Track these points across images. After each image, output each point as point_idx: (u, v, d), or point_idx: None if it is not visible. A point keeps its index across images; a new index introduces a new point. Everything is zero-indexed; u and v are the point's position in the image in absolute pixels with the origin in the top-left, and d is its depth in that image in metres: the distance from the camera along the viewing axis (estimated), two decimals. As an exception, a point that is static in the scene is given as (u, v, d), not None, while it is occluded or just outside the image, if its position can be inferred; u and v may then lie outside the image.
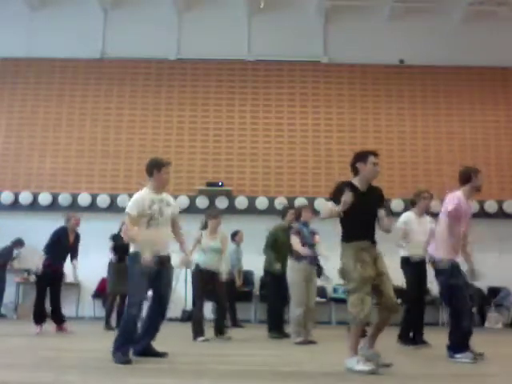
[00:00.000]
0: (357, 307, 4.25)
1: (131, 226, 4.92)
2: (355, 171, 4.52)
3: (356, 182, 4.51)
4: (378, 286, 4.37)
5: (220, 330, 6.97)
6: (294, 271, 6.65)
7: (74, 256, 7.81)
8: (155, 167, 5.05)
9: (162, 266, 4.94)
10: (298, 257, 6.63)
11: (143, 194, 5.00)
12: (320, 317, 8.78)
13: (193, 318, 6.97)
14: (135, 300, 4.79)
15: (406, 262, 6.36)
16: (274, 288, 7.38)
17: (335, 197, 4.38)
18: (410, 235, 6.39)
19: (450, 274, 4.97)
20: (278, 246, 7.37)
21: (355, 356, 4.29)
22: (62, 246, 7.64)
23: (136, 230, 4.87)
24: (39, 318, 7.46)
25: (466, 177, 5.11)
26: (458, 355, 4.85)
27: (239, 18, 12.23)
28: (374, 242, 4.48)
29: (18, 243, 10.58)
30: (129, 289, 4.92)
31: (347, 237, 4.47)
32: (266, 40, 12.10)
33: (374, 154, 4.54)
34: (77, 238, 7.88)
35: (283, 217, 7.62)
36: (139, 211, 4.88)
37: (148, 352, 4.99)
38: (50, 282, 7.64)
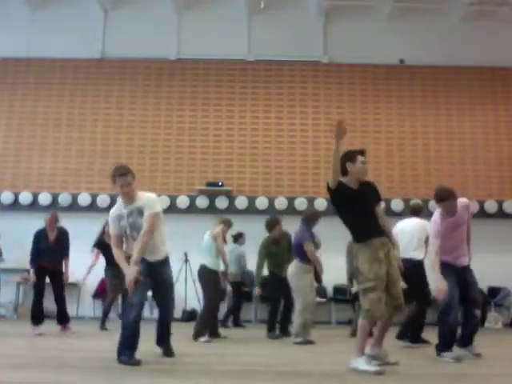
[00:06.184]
0: (377, 304, 4.22)
1: (113, 247, 4.77)
2: (344, 171, 4.43)
3: (346, 181, 4.44)
4: (386, 285, 4.35)
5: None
6: (303, 274, 6.60)
7: (64, 254, 7.61)
8: (112, 181, 4.64)
9: (154, 270, 4.81)
10: (309, 260, 6.63)
11: (114, 210, 4.78)
12: (320, 317, 8.74)
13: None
14: (129, 303, 4.70)
15: None
16: (278, 289, 7.38)
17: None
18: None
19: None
20: (271, 258, 7.42)
21: (362, 356, 4.25)
22: (42, 245, 7.50)
23: (116, 251, 4.72)
24: (36, 319, 7.36)
25: (436, 200, 5.00)
26: (443, 354, 4.89)
27: (239, 18, 12.22)
28: (383, 236, 4.43)
29: None
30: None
31: (360, 236, 4.41)
32: (266, 40, 12.09)
33: (362, 152, 4.49)
34: (61, 235, 7.63)
35: (270, 230, 7.41)
36: (115, 227, 4.73)
37: (158, 343, 5.15)
38: (44, 281, 7.54)
